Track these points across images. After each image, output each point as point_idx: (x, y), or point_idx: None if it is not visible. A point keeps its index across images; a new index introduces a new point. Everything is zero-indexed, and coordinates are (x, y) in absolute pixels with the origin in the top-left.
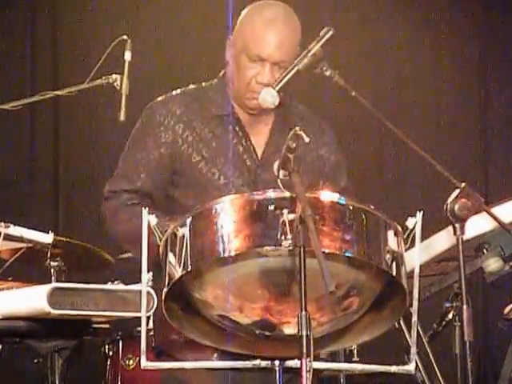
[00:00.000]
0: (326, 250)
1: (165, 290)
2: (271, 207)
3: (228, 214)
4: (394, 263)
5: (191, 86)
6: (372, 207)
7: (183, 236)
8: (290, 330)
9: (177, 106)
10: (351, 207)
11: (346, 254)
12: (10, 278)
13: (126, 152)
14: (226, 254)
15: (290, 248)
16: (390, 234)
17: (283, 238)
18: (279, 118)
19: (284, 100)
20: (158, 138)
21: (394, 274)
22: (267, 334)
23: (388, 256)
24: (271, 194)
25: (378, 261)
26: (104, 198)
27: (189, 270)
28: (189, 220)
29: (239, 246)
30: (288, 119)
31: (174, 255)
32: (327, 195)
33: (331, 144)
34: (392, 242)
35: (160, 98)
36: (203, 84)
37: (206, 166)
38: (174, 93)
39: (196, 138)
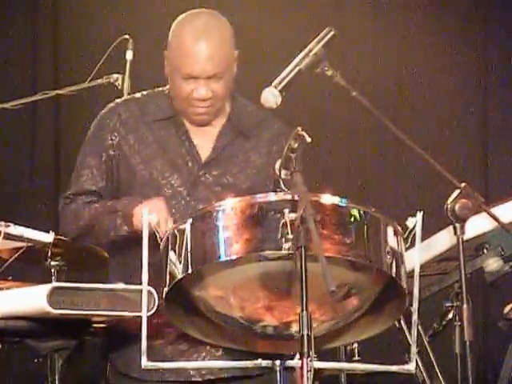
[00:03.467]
0: (327, 254)
1: (166, 289)
2: (272, 210)
3: (229, 216)
4: (394, 264)
5: (140, 93)
6: (373, 209)
7: (184, 237)
8: (291, 329)
9: (123, 110)
10: (352, 210)
11: (347, 258)
12: (9, 278)
13: (79, 157)
14: (227, 258)
15: (291, 252)
16: (390, 232)
17: (284, 239)
18: (230, 121)
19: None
20: (105, 140)
21: (395, 275)
22: (268, 333)
23: (388, 257)
24: (273, 197)
25: (378, 263)
26: (62, 204)
27: (189, 272)
28: (190, 221)
29: (240, 250)
30: (240, 122)
31: (175, 254)
32: (328, 198)
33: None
34: (392, 240)
35: (109, 105)
36: (154, 90)
37: (144, 168)
38: (120, 99)
39: (137, 141)
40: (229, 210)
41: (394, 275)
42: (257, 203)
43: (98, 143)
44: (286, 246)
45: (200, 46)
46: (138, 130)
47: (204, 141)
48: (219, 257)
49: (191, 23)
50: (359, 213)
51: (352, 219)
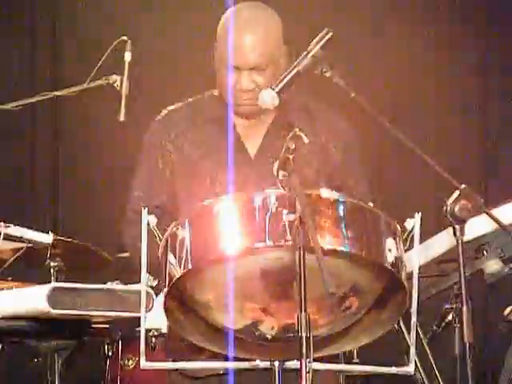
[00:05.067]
0: (327, 246)
1: (165, 289)
2: (271, 206)
3: (228, 212)
4: (394, 263)
5: (194, 97)
6: (371, 205)
7: (183, 234)
8: (290, 332)
9: (177, 116)
10: (351, 204)
11: (347, 250)
12: (9, 278)
13: (136, 169)
14: (226, 253)
15: (289, 243)
16: (390, 240)
17: (282, 240)
18: (277, 119)
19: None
20: (163, 149)
21: (395, 271)
22: (267, 335)
23: (388, 254)
24: (271, 192)
25: (378, 258)
26: (126, 220)
27: (189, 268)
28: (189, 218)
29: (239, 245)
30: (290, 114)
31: (175, 254)
32: (327, 193)
33: (339, 140)
34: (391, 243)
35: (157, 117)
36: (203, 94)
37: (193, 169)
38: (170, 107)
39: (188, 144)
40: (227, 206)
41: (394, 271)
42: (255, 199)
43: (158, 153)
44: (285, 243)
45: (243, 37)
46: (189, 133)
47: (253, 137)
48: (218, 252)
49: (237, 15)
50: (359, 208)
51: (352, 214)
